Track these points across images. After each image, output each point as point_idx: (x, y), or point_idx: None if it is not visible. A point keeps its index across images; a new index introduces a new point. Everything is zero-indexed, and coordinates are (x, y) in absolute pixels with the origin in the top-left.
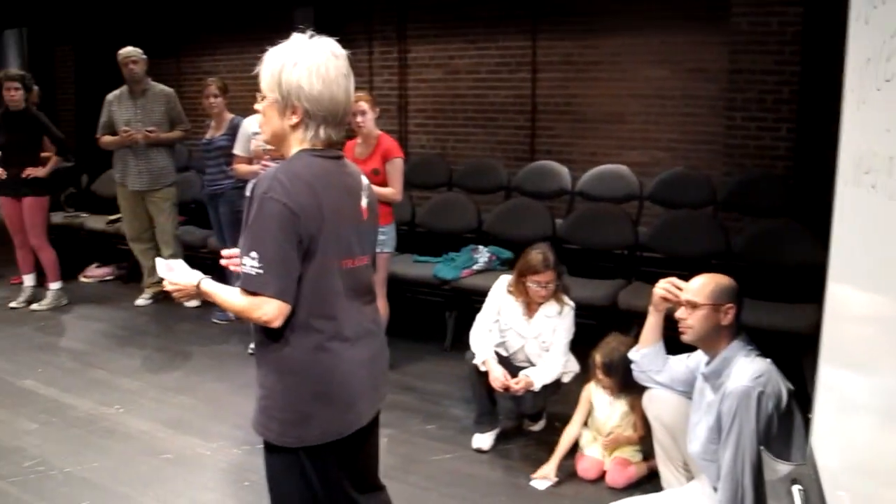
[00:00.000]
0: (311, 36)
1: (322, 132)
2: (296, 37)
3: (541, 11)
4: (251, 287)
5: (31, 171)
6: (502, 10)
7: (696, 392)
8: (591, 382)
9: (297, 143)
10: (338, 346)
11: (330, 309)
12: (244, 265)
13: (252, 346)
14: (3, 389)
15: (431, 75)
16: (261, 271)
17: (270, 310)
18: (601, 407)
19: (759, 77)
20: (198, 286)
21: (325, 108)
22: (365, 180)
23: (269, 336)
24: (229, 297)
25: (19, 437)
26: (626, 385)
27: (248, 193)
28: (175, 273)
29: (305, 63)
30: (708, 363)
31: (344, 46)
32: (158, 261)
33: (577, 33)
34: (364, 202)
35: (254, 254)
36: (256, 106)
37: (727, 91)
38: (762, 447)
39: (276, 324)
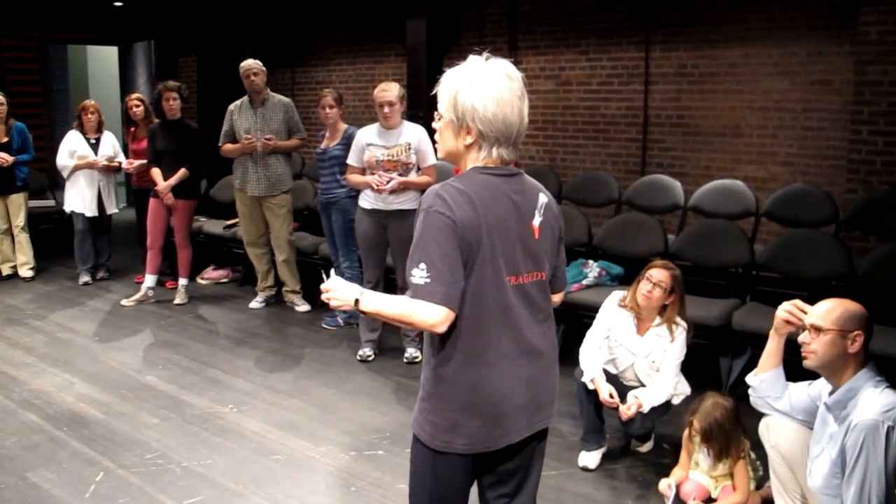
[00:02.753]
0: (487, 58)
1: (495, 152)
2: (472, 59)
3: (654, 22)
4: (420, 296)
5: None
6: (615, 21)
7: (817, 422)
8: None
9: (472, 162)
10: (493, 360)
11: (487, 323)
12: (412, 277)
13: (361, 352)
14: (127, 384)
15: (542, 86)
16: (428, 280)
17: (436, 315)
18: (702, 460)
19: (888, 89)
20: (358, 299)
21: (498, 129)
22: (543, 199)
23: (432, 343)
24: (392, 306)
25: (141, 431)
26: (726, 450)
27: (357, 203)
28: (336, 282)
29: (480, 85)
30: (832, 392)
31: (455, 57)
32: (332, 274)
33: (692, 44)
34: (537, 220)
35: (422, 265)
36: (434, 125)
37: (853, 104)
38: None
39: (440, 329)
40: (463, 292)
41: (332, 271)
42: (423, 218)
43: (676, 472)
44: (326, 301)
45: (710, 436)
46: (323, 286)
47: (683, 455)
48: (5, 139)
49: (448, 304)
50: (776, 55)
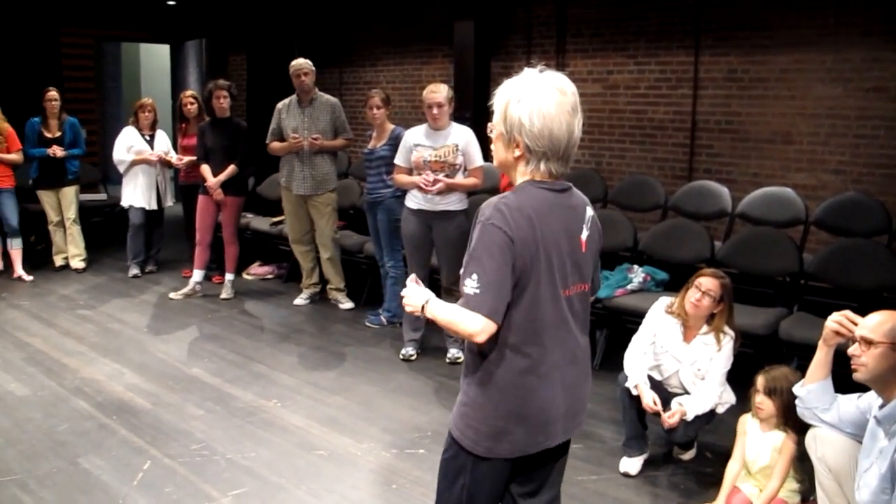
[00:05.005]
0: (542, 70)
1: (543, 166)
2: (527, 71)
3: (704, 26)
4: (469, 306)
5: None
6: (664, 25)
7: (866, 435)
8: (748, 413)
9: (521, 174)
10: (545, 370)
11: (541, 335)
12: (465, 286)
13: (404, 351)
14: (174, 376)
15: (589, 90)
16: (478, 291)
17: (475, 325)
18: (752, 443)
19: None
20: (424, 304)
21: (544, 144)
22: (590, 212)
23: (482, 352)
24: (445, 313)
25: (187, 422)
26: (786, 413)
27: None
28: (412, 288)
29: (528, 100)
30: (882, 406)
31: (502, 59)
32: (413, 277)
33: (742, 49)
34: (584, 234)
35: (474, 275)
36: (490, 135)
37: None
38: None
39: (479, 339)
40: (517, 306)
41: (414, 277)
42: (481, 230)
43: (731, 467)
44: (405, 305)
45: (775, 391)
46: (403, 292)
47: (739, 443)
48: (58, 133)
49: (493, 316)
50: (829, 61)
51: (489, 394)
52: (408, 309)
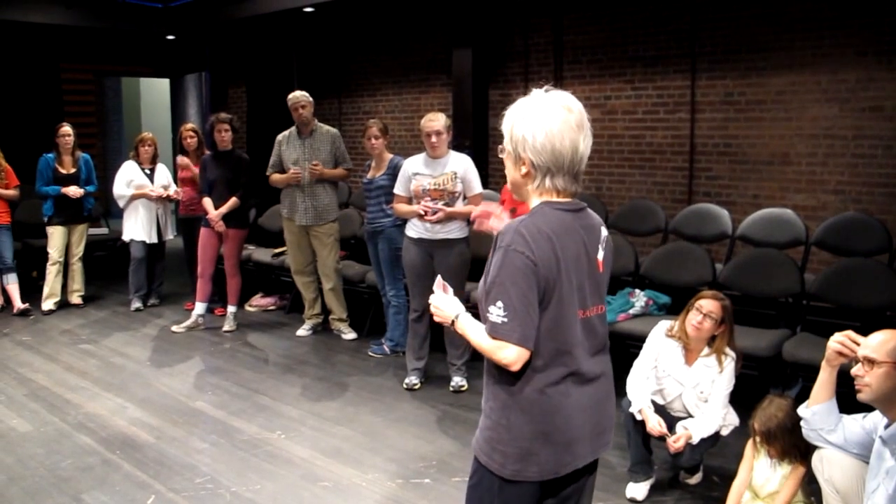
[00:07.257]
0: (547, 90)
1: (549, 182)
2: (534, 92)
3: (700, 50)
4: (497, 335)
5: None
6: (660, 50)
7: (873, 455)
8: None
9: (532, 192)
10: (565, 388)
11: (562, 355)
12: (490, 314)
13: (408, 380)
14: (178, 409)
15: (587, 115)
16: (505, 319)
17: (511, 354)
18: (760, 469)
19: None
20: (455, 319)
21: (547, 159)
22: (604, 232)
23: (503, 374)
24: (477, 336)
25: (191, 455)
26: (788, 451)
27: (417, 230)
28: (443, 297)
29: (532, 117)
30: (887, 426)
31: (501, 87)
32: (439, 279)
33: (738, 72)
34: (601, 254)
35: (499, 303)
36: (501, 156)
37: None
38: None
39: (516, 367)
40: (541, 327)
41: (442, 282)
42: (503, 256)
43: (736, 486)
44: (433, 312)
45: (771, 435)
46: (431, 298)
47: (745, 464)
48: (73, 170)
49: (525, 343)
50: (825, 82)
51: (513, 416)
52: (436, 318)
